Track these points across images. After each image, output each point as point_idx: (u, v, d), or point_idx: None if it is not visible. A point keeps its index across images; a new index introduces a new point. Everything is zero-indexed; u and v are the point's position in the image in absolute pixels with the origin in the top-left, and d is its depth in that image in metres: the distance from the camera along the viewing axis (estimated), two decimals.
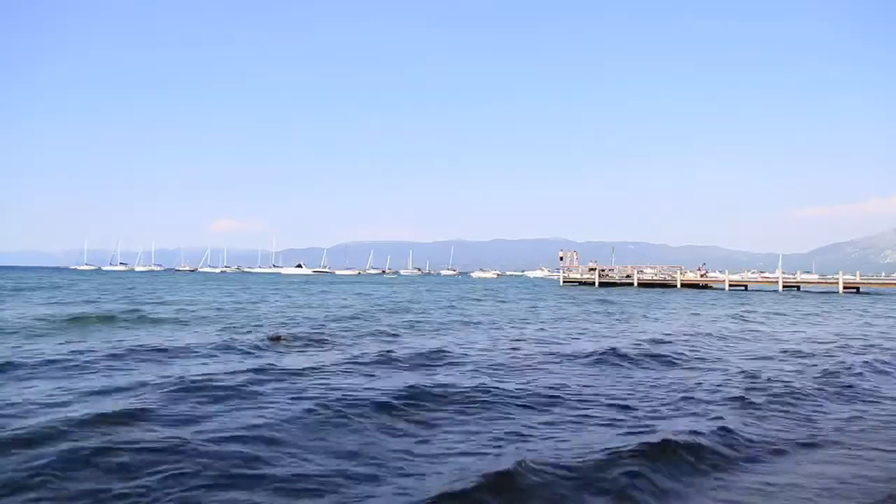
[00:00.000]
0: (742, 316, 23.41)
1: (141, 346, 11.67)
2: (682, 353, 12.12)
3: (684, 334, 15.99)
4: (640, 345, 13.08)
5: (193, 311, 21.37)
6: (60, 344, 11.85)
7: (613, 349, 11.90)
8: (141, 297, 29.47)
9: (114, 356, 10.34)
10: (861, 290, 53.86)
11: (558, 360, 11.16)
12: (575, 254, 75.05)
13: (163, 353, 10.90)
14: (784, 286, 55.87)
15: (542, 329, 17.28)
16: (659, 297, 40.73)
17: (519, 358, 11.31)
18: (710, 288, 60.09)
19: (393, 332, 15.51)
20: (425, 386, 8.07)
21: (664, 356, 11.58)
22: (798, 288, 57.55)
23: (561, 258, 73.74)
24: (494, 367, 10.16)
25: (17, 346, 11.49)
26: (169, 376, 8.45)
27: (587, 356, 11.40)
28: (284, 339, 13.45)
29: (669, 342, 14.09)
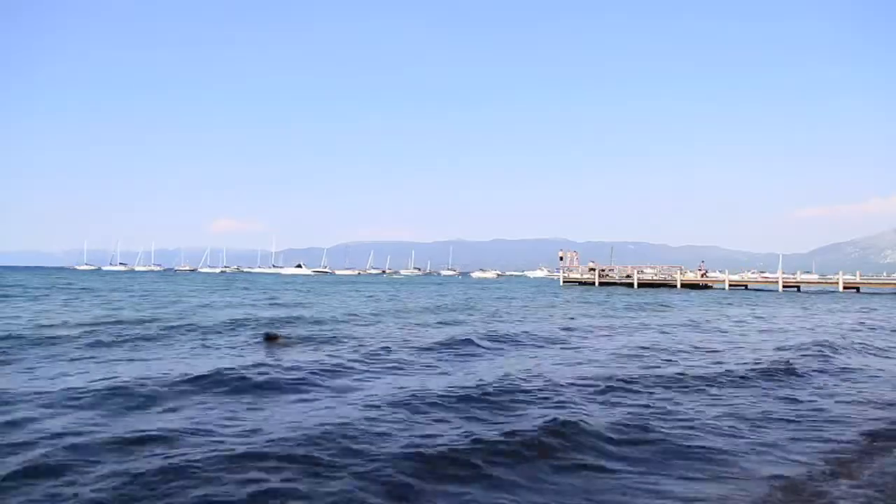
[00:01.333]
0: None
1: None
2: None
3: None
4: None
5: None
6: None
7: (788, 362, 10.51)
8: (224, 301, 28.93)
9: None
10: (861, 290, 53.86)
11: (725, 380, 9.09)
12: (575, 254, 75.01)
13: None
14: (784, 286, 55.84)
15: (625, 338, 14.86)
16: (697, 298, 40.05)
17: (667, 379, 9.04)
18: (711, 288, 60.06)
19: (459, 344, 13.03)
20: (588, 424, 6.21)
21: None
22: (798, 288, 57.50)
23: (561, 258, 73.70)
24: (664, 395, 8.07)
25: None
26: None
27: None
28: (282, 340, 13.38)
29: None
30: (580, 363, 10.79)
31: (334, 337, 14.07)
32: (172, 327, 15.53)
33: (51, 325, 15.44)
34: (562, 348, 13.09)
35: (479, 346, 13.02)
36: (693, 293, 48.11)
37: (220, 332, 14.87)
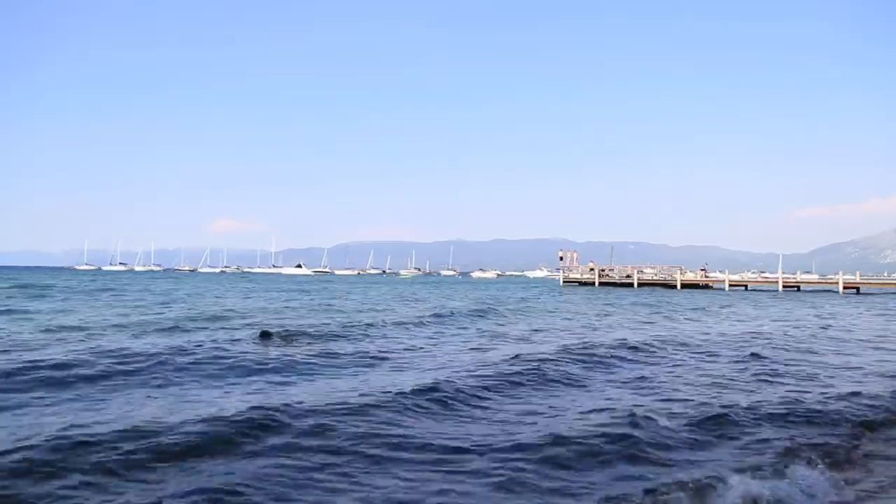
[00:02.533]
0: None
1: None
2: None
3: None
4: None
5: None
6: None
7: None
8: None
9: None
10: (861, 290, 53.86)
11: None
12: (575, 254, 75.05)
13: None
14: (784, 286, 55.85)
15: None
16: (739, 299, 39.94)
17: None
18: (711, 288, 60.08)
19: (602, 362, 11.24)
20: None
21: None
22: (798, 288, 57.52)
23: (561, 258, 73.74)
24: None
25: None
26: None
27: None
28: (276, 338, 13.32)
29: None
30: (739, 383, 9.26)
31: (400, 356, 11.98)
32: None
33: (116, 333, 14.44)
34: (696, 358, 11.87)
35: (619, 357, 11.66)
36: (696, 292, 48.17)
37: (343, 337, 14.14)
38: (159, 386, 8.48)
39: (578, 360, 11.04)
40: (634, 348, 12.84)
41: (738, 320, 22.26)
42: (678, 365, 11.11)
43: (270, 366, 10.14)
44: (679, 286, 58.96)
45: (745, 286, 60.73)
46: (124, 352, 10.88)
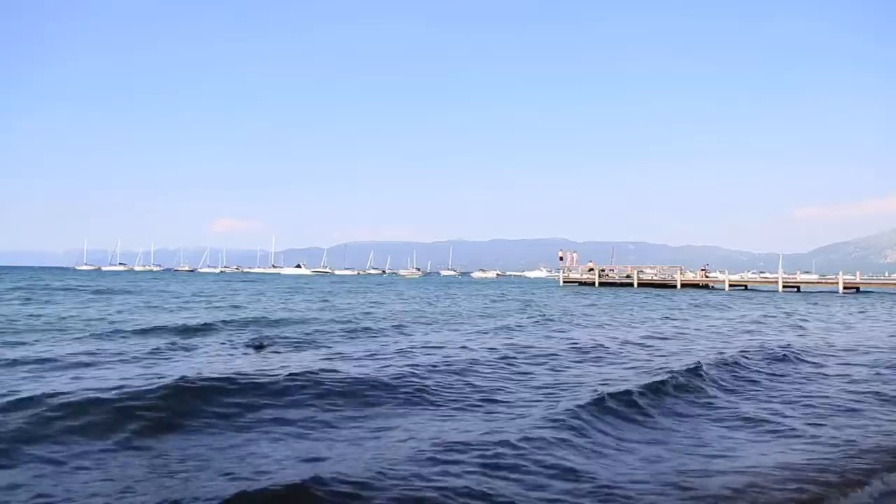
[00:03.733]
0: None
1: None
2: None
3: None
4: None
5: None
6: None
7: None
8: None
9: None
10: (861, 290, 53.85)
11: None
12: (575, 254, 75.05)
13: None
14: (784, 286, 55.82)
15: None
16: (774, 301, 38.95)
17: None
18: (711, 288, 60.04)
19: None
20: None
21: None
22: (798, 288, 57.48)
23: (561, 258, 73.74)
24: None
25: None
26: None
27: None
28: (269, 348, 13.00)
29: None
30: None
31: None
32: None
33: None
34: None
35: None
36: (696, 292, 48.11)
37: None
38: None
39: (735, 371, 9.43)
40: (793, 362, 10.89)
41: (832, 325, 19.92)
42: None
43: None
44: (679, 286, 58.92)
45: (745, 286, 60.69)
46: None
